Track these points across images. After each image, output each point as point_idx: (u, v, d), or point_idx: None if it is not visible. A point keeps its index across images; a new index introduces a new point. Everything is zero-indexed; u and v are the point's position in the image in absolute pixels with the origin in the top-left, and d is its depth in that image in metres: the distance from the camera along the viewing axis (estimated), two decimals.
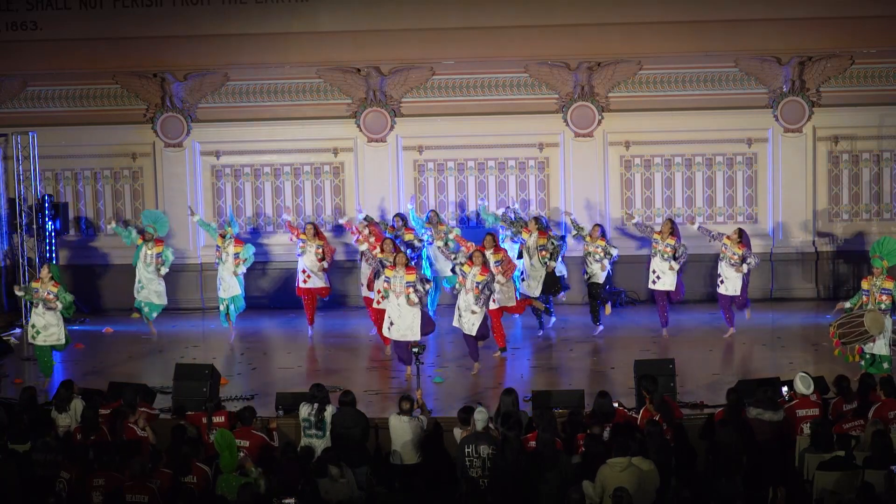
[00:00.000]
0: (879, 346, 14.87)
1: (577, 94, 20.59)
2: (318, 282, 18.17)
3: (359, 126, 20.93)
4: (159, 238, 18.48)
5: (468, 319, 15.72)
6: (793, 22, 19.57)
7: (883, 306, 15.08)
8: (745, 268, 17.37)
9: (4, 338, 18.67)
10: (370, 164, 20.98)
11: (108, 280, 21.00)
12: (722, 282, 17.59)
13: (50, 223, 19.83)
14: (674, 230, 17.70)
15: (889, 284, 15.17)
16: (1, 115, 20.88)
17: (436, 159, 21.08)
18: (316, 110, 20.98)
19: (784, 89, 20.40)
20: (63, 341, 16.20)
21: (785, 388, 13.46)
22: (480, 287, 15.62)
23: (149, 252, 18.28)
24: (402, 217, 18.66)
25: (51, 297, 15.99)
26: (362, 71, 20.66)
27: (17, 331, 19.17)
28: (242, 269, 17.89)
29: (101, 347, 18.16)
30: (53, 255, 19.95)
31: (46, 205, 19.81)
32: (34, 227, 19.70)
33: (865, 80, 20.43)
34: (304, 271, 18.17)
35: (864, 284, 15.43)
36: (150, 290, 18.34)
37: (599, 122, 20.67)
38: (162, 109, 20.94)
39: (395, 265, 15.65)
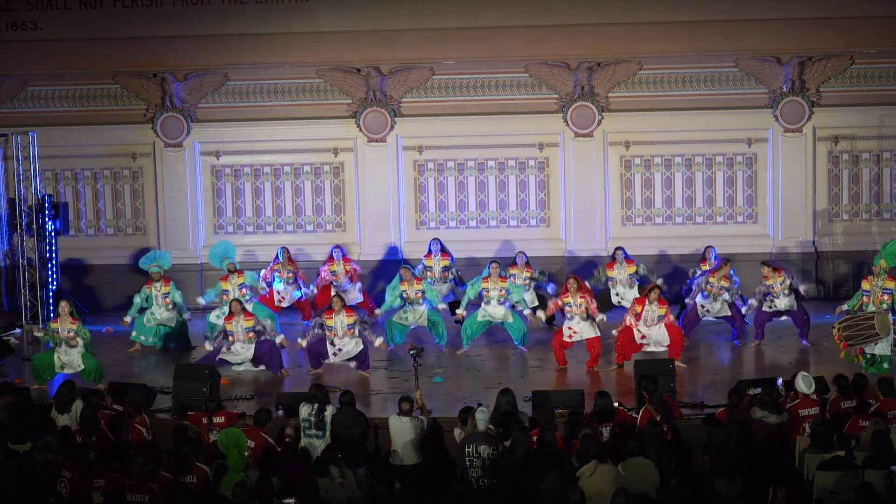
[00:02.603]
0: (882, 347, 14.88)
1: (577, 94, 20.59)
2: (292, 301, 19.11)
3: (359, 126, 20.93)
4: (167, 277, 18.12)
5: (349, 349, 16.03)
6: (793, 22, 19.57)
7: (885, 306, 15.09)
8: (804, 288, 17.15)
9: (4, 338, 18.66)
10: (370, 164, 20.99)
11: (108, 280, 20.99)
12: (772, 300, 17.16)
13: (50, 223, 19.82)
14: (773, 266, 17.26)
15: (890, 284, 15.19)
16: (1, 115, 20.88)
17: (436, 159, 21.08)
18: (316, 110, 20.99)
19: (784, 89, 20.40)
20: (83, 366, 15.78)
21: (780, 381, 13.47)
22: (352, 328, 15.99)
23: (157, 294, 17.83)
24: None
25: (71, 335, 15.71)
26: (362, 71, 20.66)
27: (17, 331, 19.17)
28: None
29: (100, 347, 18.12)
30: (54, 254, 19.94)
31: (46, 205, 19.79)
32: (34, 227, 19.68)
33: (865, 80, 20.43)
34: (278, 291, 18.88)
35: (865, 285, 15.44)
36: (159, 320, 17.92)
37: (599, 122, 20.67)
38: (162, 109, 20.94)
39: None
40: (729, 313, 17.29)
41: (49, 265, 19.85)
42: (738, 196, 20.85)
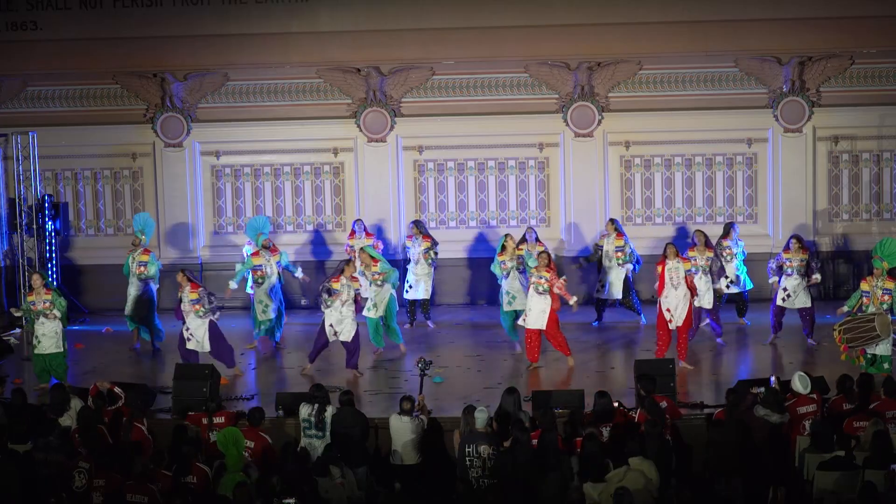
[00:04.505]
0: (882, 348, 14.87)
1: (577, 94, 20.59)
2: None
3: (359, 126, 20.93)
4: (146, 248, 18.11)
5: (348, 327, 15.96)
6: (793, 22, 19.57)
7: (885, 307, 15.08)
8: (816, 277, 17.06)
9: (4, 338, 18.66)
10: (370, 164, 20.99)
11: (108, 280, 20.98)
12: (788, 296, 17.11)
13: (50, 223, 19.82)
14: (803, 244, 17.29)
15: (890, 285, 15.16)
16: (1, 115, 20.88)
17: (436, 159, 21.08)
18: (316, 110, 20.99)
19: (784, 89, 20.40)
20: (61, 349, 15.82)
21: (773, 380, 13.47)
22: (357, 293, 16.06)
23: (133, 263, 17.89)
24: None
25: (47, 305, 15.77)
26: (362, 71, 20.66)
27: (17, 331, 19.14)
28: (300, 273, 17.93)
29: (100, 347, 18.16)
30: (54, 255, 19.94)
31: (46, 205, 19.79)
32: (34, 227, 19.68)
33: (865, 80, 20.43)
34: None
35: (864, 286, 15.41)
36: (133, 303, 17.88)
37: (599, 122, 20.67)
38: (162, 109, 20.94)
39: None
40: (808, 305, 17.14)
41: (49, 265, 19.84)
42: (738, 196, 20.85)
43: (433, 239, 18.84)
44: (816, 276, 17.14)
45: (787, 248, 17.31)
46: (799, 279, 17.06)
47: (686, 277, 16.02)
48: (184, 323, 15.97)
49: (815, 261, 17.38)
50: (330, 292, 15.97)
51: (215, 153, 21.24)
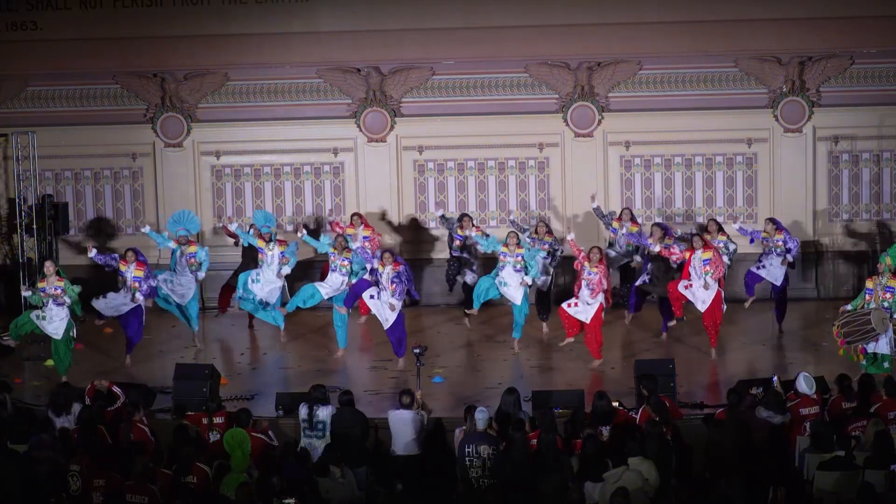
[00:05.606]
0: (882, 346, 14.88)
1: (577, 94, 20.59)
2: None
3: (359, 126, 20.93)
4: (192, 240, 17.91)
5: (387, 314, 16.23)
6: (793, 22, 19.59)
7: (886, 304, 15.09)
8: (789, 257, 17.49)
9: (4, 338, 18.63)
10: (370, 164, 20.99)
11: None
12: (763, 266, 17.63)
13: (50, 223, 19.80)
14: (776, 225, 17.78)
15: (894, 282, 15.17)
16: (1, 115, 20.88)
17: (436, 159, 21.07)
18: (316, 110, 20.98)
19: (784, 89, 20.40)
20: (59, 336, 15.92)
21: (775, 379, 13.48)
22: (394, 280, 16.16)
23: (182, 256, 17.62)
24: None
25: (58, 291, 15.93)
26: (362, 71, 20.67)
27: None
28: (287, 270, 17.72)
29: (100, 347, 18.15)
30: (54, 255, 19.91)
31: (46, 205, 19.78)
32: (34, 227, 19.67)
33: (865, 80, 20.42)
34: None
35: (869, 283, 15.44)
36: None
37: (599, 122, 20.67)
38: (162, 109, 20.94)
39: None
40: (779, 282, 17.64)
41: None
42: (737, 196, 20.84)
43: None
44: (789, 258, 17.46)
45: (765, 229, 17.84)
46: (777, 259, 17.48)
47: (707, 267, 16.37)
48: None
49: (793, 243, 17.58)
50: (373, 272, 16.30)
51: (215, 153, 21.23)
